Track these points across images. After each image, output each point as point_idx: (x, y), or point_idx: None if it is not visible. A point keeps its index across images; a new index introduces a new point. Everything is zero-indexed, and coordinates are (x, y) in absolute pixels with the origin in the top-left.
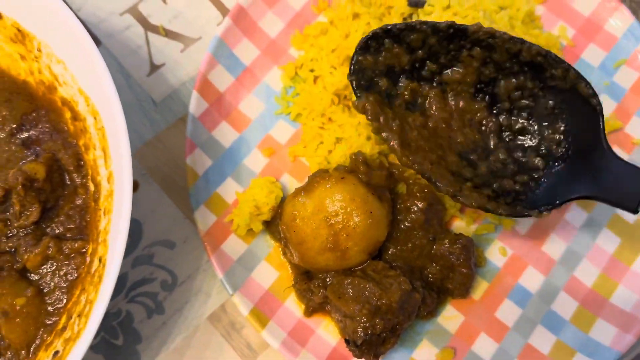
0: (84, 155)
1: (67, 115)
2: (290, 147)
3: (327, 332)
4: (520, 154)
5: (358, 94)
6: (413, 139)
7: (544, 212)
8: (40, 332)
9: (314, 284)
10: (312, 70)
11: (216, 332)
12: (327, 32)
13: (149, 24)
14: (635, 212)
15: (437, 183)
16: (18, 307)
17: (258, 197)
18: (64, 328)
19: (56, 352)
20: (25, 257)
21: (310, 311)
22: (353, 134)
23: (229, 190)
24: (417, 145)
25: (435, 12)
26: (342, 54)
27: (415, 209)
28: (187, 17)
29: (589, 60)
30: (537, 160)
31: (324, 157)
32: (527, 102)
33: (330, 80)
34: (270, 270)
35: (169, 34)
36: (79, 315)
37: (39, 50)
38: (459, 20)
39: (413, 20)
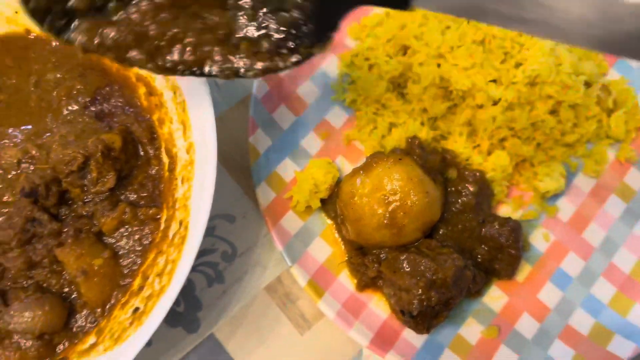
0: (157, 128)
1: (142, 90)
2: (344, 132)
3: (377, 307)
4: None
5: (64, 36)
6: (151, 28)
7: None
8: (115, 293)
9: (368, 259)
10: (367, 59)
11: (272, 303)
12: (383, 23)
13: None
14: (405, 5)
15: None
16: (96, 267)
17: (316, 176)
18: (141, 288)
19: (136, 309)
20: (102, 220)
21: (362, 286)
22: (407, 119)
23: (287, 169)
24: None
25: None
26: (397, 44)
27: (467, 192)
28: None
29: (629, 60)
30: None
31: (377, 142)
32: None
33: (386, 68)
34: (325, 246)
35: None
36: (159, 275)
37: None
38: None
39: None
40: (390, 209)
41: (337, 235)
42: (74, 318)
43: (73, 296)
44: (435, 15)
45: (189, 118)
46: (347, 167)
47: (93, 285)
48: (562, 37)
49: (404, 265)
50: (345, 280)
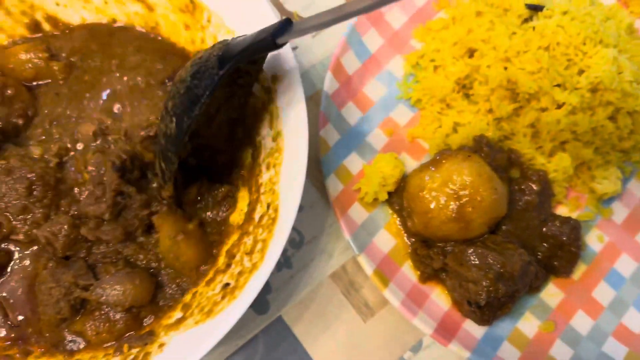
0: None
1: None
2: (409, 129)
3: (439, 299)
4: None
5: None
6: None
7: None
8: (208, 261)
9: (433, 251)
10: (432, 60)
11: (337, 290)
12: (449, 27)
13: (285, 9)
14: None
15: None
16: (191, 229)
17: (385, 170)
18: (229, 265)
19: (226, 285)
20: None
21: (425, 277)
22: (472, 119)
23: (354, 162)
24: None
25: (555, 16)
26: (463, 47)
27: (530, 191)
28: (318, 5)
29: None
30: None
31: (441, 140)
32: None
33: (452, 69)
34: (389, 238)
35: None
36: (248, 253)
37: (208, 20)
38: (576, 25)
39: (532, 23)
40: (459, 203)
41: (400, 227)
42: (160, 294)
43: (161, 272)
44: (502, 21)
45: (277, 108)
46: (410, 163)
47: (192, 245)
48: None
49: (472, 258)
50: (408, 271)
